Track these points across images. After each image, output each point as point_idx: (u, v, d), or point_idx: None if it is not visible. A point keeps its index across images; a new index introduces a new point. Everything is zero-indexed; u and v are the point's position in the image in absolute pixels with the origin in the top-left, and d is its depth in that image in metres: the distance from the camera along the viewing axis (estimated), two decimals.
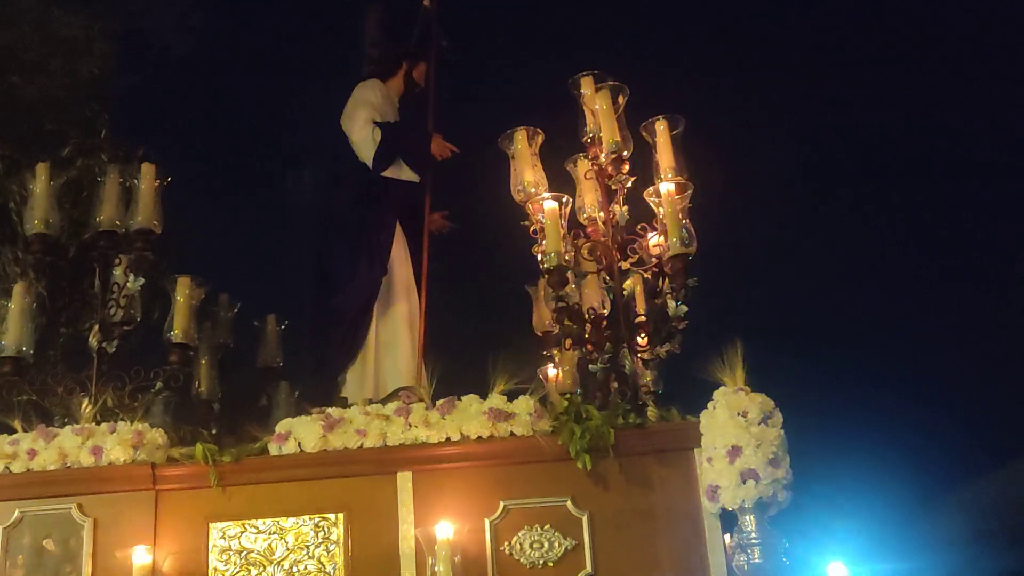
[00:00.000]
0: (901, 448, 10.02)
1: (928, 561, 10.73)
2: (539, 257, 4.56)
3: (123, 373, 4.64)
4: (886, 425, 10.16)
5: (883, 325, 10.78)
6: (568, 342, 4.99)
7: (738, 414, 3.84)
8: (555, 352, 6.54)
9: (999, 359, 10.55)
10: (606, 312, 4.66)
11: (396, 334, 5.45)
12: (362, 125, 5.53)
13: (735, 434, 3.81)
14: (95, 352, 4.66)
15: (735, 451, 3.79)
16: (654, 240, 4.68)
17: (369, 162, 5.43)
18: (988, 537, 11.41)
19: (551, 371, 6.23)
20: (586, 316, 4.57)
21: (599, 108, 4.57)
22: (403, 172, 5.48)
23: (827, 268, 10.50)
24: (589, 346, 4.45)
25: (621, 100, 4.64)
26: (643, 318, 4.60)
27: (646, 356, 4.49)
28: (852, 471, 9.34)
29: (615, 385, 4.51)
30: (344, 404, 5.29)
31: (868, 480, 9.69)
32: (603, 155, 4.55)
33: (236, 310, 5.83)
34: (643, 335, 4.61)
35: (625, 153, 4.54)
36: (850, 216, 11.05)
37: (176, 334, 4.70)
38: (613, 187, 4.55)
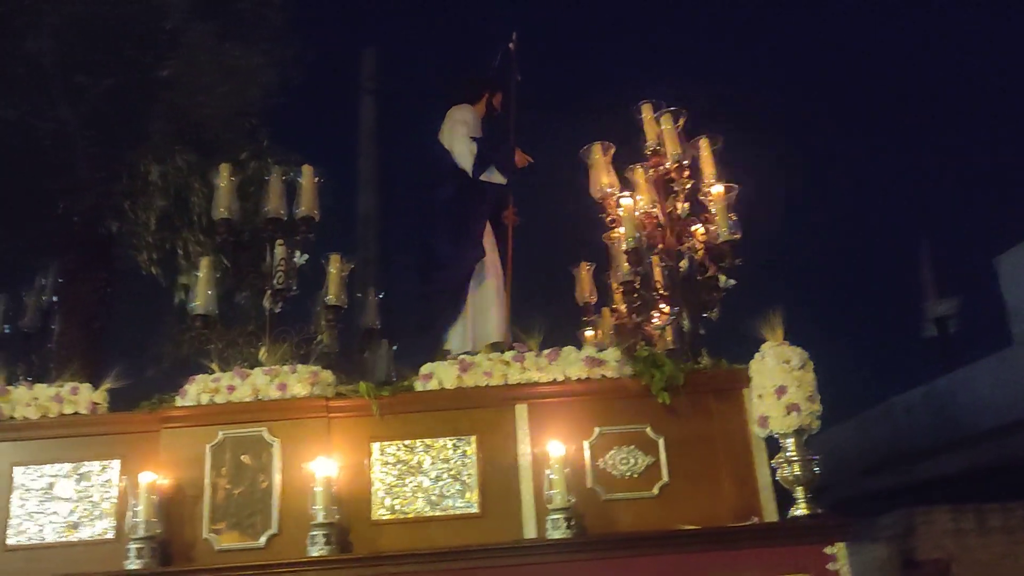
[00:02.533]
0: None
1: None
2: (618, 242, 4.71)
3: (288, 328, 4.73)
4: None
5: None
6: (623, 309, 5.21)
7: (783, 362, 4.04)
8: (594, 318, 6.76)
9: None
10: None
11: (487, 302, 5.63)
12: (462, 139, 5.70)
13: (781, 377, 4.03)
14: (267, 312, 4.75)
15: (782, 390, 4.01)
16: (699, 229, 4.85)
17: (469, 168, 5.61)
18: None
19: (588, 333, 6.44)
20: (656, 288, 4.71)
21: (664, 128, 4.75)
22: (495, 176, 5.65)
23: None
24: (659, 308, 4.59)
25: (681, 122, 4.78)
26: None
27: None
28: None
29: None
30: (447, 356, 5.45)
31: None
32: (668, 163, 4.69)
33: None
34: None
35: (686, 162, 4.69)
36: None
37: (331, 298, 4.81)
38: (675, 188, 4.70)
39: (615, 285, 5.69)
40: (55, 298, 6.54)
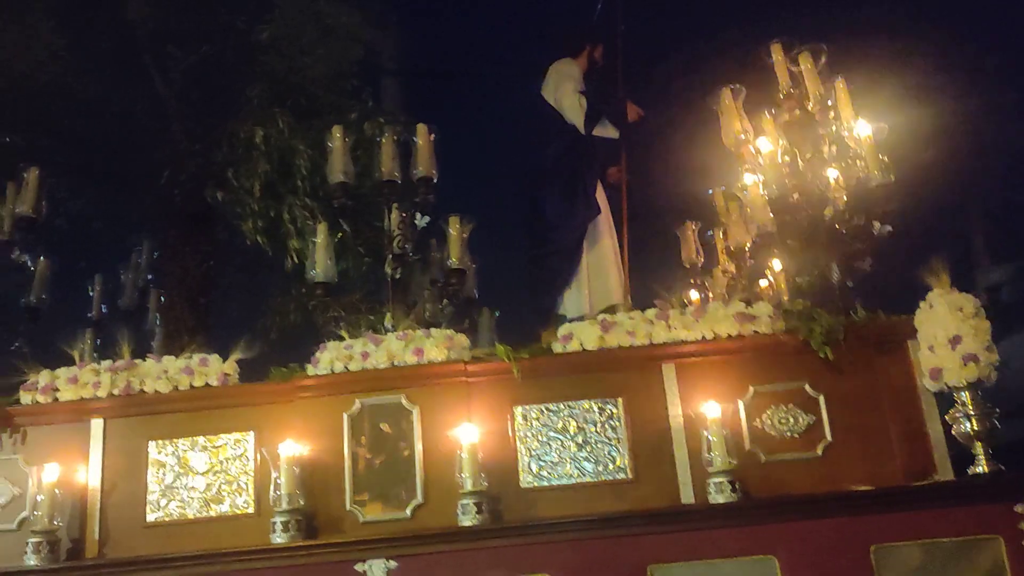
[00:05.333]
0: None
1: None
2: (757, 190, 4.46)
3: (411, 294, 4.56)
4: None
5: None
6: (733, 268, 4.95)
7: (957, 309, 3.77)
8: (702, 280, 6.52)
9: None
10: None
11: (603, 262, 5.43)
12: (571, 94, 5.49)
13: (956, 326, 3.76)
14: (389, 278, 4.58)
15: (956, 340, 3.75)
16: (834, 175, 4.57)
17: (580, 124, 5.38)
18: None
19: (693, 295, 6.21)
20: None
21: (804, 67, 4.45)
22: (607, 130, 5.41)
23: None
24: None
25: (822, 59, 4.49)
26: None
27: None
28: None
29: None
30: (562, 320, 5.26)
31: None
32: (811, 105, 4.41)
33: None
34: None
35: (829, 102, 4.40)
36: None
37: (453, 261, 4.63)
38: (820, 131, 4.42)
39: (745, 240, 5.45)
40: (150, 276, 6.48)
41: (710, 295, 6.06)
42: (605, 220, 5.50)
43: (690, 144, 6.03)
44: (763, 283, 6.38)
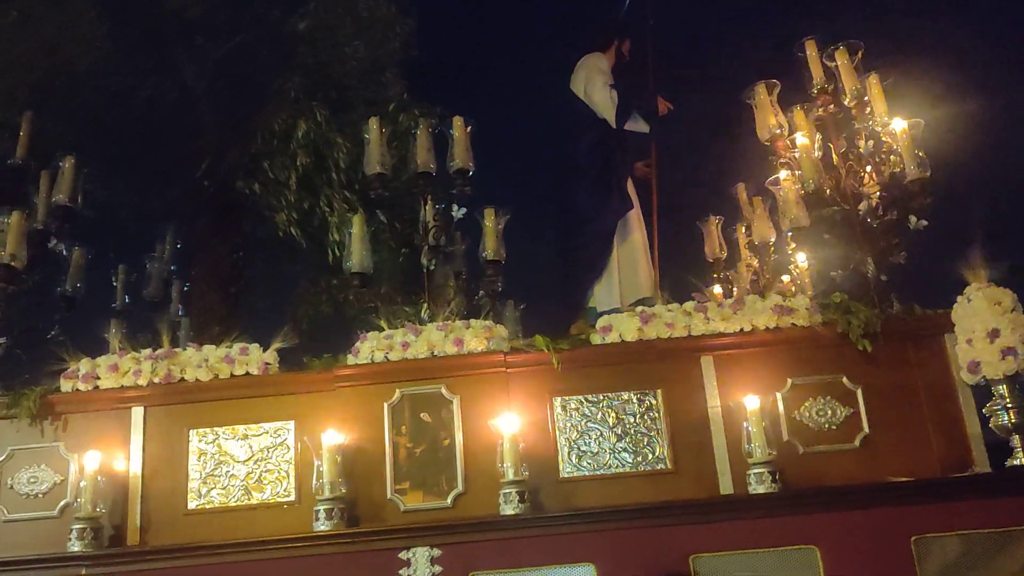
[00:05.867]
0: None
1: None
2: (790, 184, 4.48)
3: (445, 285, 4.59)
4: None
5: None
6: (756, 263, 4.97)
7: (995, 303, 3.81)
8: (727, 274, 6.54)
9: None
10: None
11: (634, 255, 5.45)
12: (601, 88, 5.50)
13: (994, 320, 3.80)
14: (425, 269, 4.60)
15: (994, 333, 3.79)
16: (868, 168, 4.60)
17: (611, 118, 5.39)
18: None
19: (716, 289, 6.24)
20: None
21: (840, 63, 4.47)
22: (639, 125, 5.42)
23: None
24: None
25: (859, 55, 4.51)
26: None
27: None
28: None
29: None
30: (593, 313, 5.29)
31: None
32: (847, 100, 4.43)
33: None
34: None
35: (866, 98, 4.42)
36: None
37: (489, 253, 4.64)
38: (856, 126, 4.44)
39: (769, 235, 5.49)
40: (173, 267, 6.50)
41: (734, 290, 6.09)
42: (635, 214, 5.53)
43: (715, 139, 6.05)
44: (785, 278, 6.44)
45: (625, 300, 5.34)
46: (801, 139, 4.48)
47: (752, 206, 6.24)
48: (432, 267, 4.69)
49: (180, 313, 6.58)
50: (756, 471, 3.76)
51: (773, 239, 6.12)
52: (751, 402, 3.86)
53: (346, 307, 5.52)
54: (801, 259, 6.23)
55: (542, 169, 6.08)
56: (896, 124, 4.36)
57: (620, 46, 5.97)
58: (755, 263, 6.44)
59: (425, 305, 4.46)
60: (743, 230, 6.46)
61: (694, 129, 6.28)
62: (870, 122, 4.44)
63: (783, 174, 4.83)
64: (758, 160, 5.48)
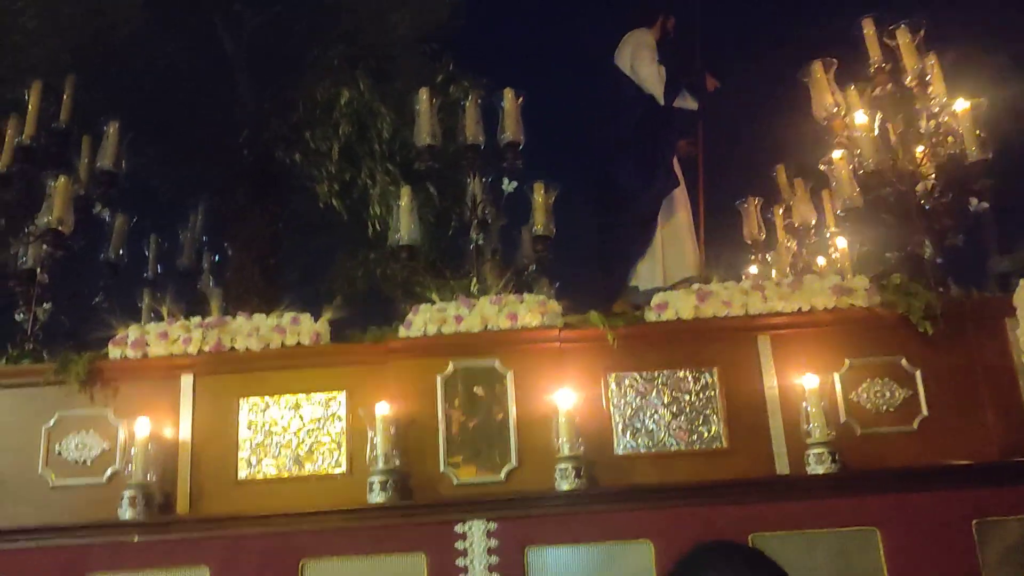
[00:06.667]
0: None
1: None
2: (844, 164, 4.42)
3: (489, 259, 4.54)
4: None
5: None
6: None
7: None
8: (765, 256, 6.50)
9: None
10: None
11: (679, 233, 5.40)
12: (649, 63, 5.43)
13: None
14: (473, 243, 4.55)
15: None
16: (920, 148, 4.54)
17: (659, 94, 5.33)
18: None
19: (752, 269, 6.21)
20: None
21: (902, 42, 4.40)
22: (687, 102, 5.36)
23: None
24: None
25: (920, 33, 4.44)
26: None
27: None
28: None
29: None
30: (636, 292, 5.24)
31: None
32: (908, 80, 4.37)
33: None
34: None
35: (928, 77, 4.36)
36: None
37: (539, 228, 4.59)
38: (918, 106, 4.38)
39: (810, 217, 5.44)
40: (205, 238, 6.44)
41: (773, 272, 6.06)
42: (680, 192, 5.47)
43: (757, 119, 5.98)
44: (820, 260, 6.40)
45: (669, 279, 5.29)
46: (861, 117, 4.41)
47: (793, 188, 6.20)
48: (480, 241, 4.63)
49: (211, 284, 6.54)
50: (815, 451, 3.73)
51: (814, 221, 6.08)
52: (810, 381, 3.82)
53: (383, 283, 5.46)
54: (841, 242, 6.19)
55: (581, 145, 5.99)
56: (958, 104, 4.30)
57: (665, 22, 5.90)
58: (793, 245, 6.41)
59: (474, 279, 4.41)
60: (779, 212, 6.42)
61: (738, 108, 6.20)
62: (931, 102, 4.37)
63: (836, 153, 4.78)
64: (801, 141, 5.43)
